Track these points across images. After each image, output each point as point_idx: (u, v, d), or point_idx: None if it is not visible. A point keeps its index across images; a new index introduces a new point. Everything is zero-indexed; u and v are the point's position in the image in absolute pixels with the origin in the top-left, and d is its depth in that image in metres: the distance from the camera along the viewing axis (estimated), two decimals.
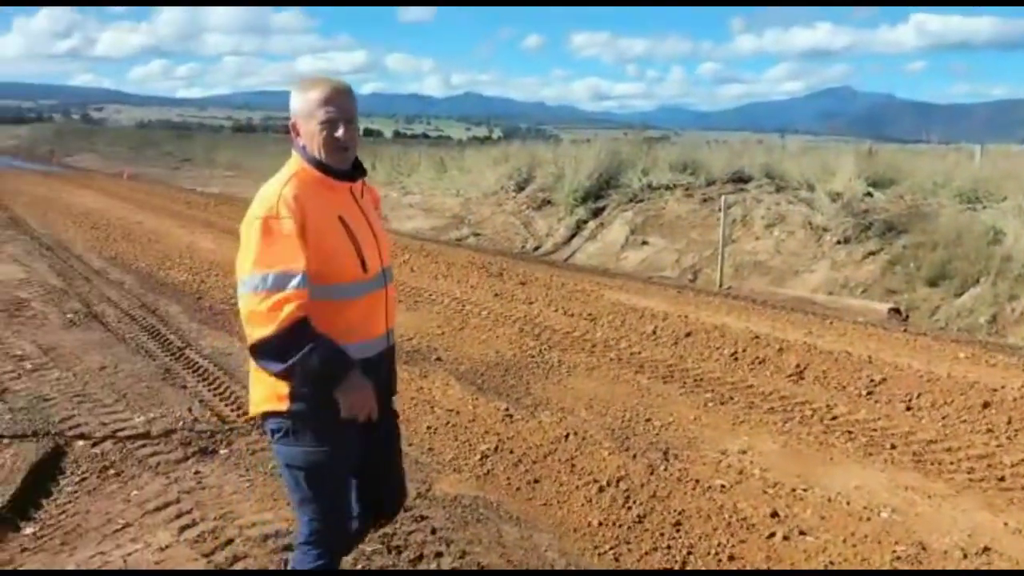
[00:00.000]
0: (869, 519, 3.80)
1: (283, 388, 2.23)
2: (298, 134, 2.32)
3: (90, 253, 11.35)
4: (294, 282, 2.10)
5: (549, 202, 14.74)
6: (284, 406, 2.26)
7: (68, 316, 7.38)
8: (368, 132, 77.51)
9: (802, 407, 5.27)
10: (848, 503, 3.94)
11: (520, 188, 15.86)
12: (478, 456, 4.50)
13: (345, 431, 2.30)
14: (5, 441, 4.51)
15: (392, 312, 2.46)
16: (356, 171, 2.39)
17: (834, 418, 5.10)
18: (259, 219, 2.18)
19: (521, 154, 18.19)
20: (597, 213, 14.19)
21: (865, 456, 4.54)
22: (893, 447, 4.66)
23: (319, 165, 2.29)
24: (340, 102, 2.26)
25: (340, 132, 2.25)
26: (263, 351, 2.15)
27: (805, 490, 4.08)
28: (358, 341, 2.29)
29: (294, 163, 2.33)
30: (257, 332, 2.12)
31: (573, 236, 13.56)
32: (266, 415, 2.33)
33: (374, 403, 2.29)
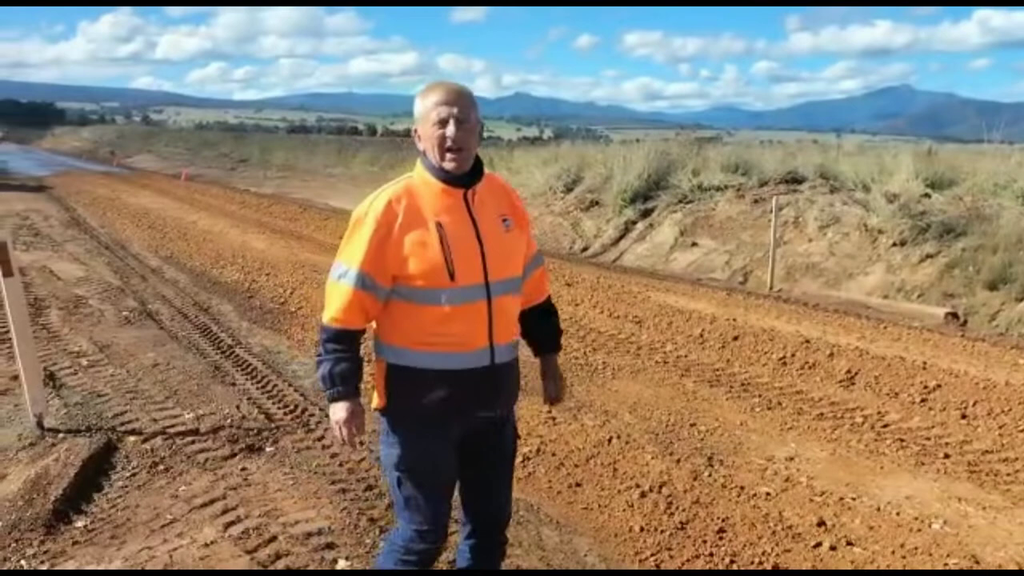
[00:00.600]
0: (920, 531, 3.69)
1: (383, 385, 2.34)
2: (419, 139, 2.30)
3: (146, 252, 11.64)
4: (348, 277, 2.25)
5: (597, 203, 14.66)
6: (382, 403, 2.36)
7: (124, 314, 7.57)
8: None
9: (852, 414, 5.14)
10: (898, 513, 3.83)
11: (568, 189, 15.82)
12: (520, 458, 4.47)
13: (435, 438, 2.32)
14: (60, 435, 4.64)
15: (502, 328, 2.32)
16: (472, 177, 2.31)
17: (885, 425, 4.96)
18: (353, 217, 2.30)
19: (570, 155, 18.14)
20: (646, 214, 14.08)
21: (917, 465, 4.41)
22: (947, 456, 4.51)
23: (432, 170, 2.28)
24: (455, 103, 2.22)
25: (451, 131, 2.20)
26: (320, 330, 2.35)
27: (854, 499, 3.97)
28: (442, 350, 2.26)
29: (415, 169, 2.35)
30: (324, 313, 2.33)
31: (621, 237, 13.46)
32: (376, 410, 2.40)
33: (349, 431, 2.32)
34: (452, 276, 2.21)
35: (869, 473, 4.30)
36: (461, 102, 2.23)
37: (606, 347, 6.61)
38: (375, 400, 2.37)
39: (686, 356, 6.39)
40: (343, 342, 2.32)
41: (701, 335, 6.96)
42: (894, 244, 10.22)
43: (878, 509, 3.87)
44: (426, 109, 2.25)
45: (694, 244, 12.62)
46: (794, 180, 13.64)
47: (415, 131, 2.32)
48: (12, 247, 4.61)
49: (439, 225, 2.24)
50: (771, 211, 10.48)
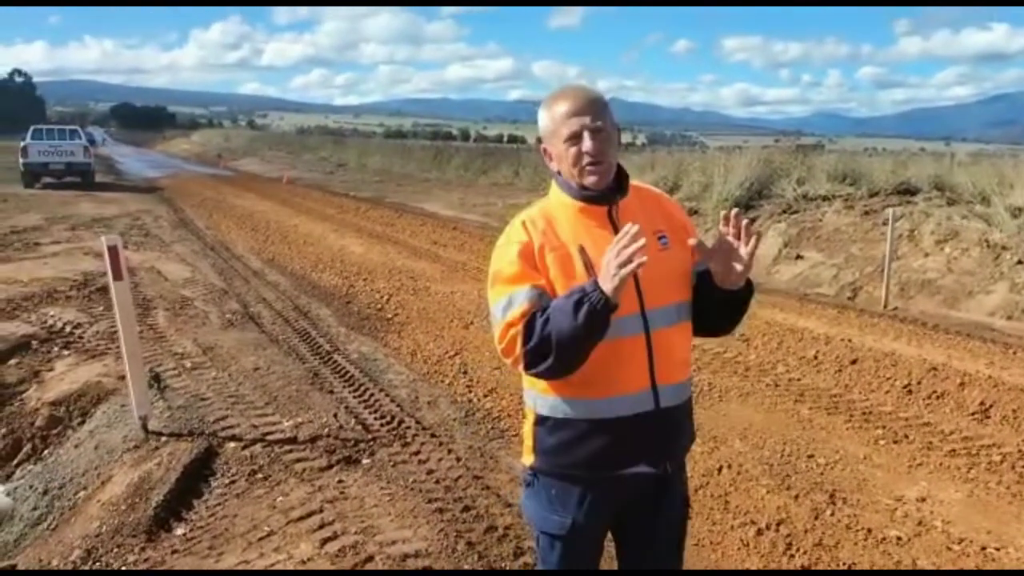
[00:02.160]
0: None
1: (529, 439, 2.07)
2: (551, 158, 2.03)
3: (249, 254, 11.90)
4: (516, 303, 1.90)
5: (696, 212, 14.27)
6: (529, 459, 2.09)
7: (227, 316, 7.69)
8: (512, 139, 78.35)
9: (989, 451, 4.69)
10: None
11: None
12: None
13: (586, 503, 2.02)
14: (163, 439, 4.68)
15: (667, 364, 1.94)
16: (616, 192, 2.00)
17: None
18: (493, 256, 2.02)
19: (667, 162, 17.78)
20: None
21: None
22: None
23: (568, 189, 2.00)
24: (586, 111, 1.93)
25: (588, 145, 1.92)
26: (527, 367, 1.90)
27: (997, 549, 3.59)
28: (595, 396, 1.93)
29: (549, 192, 2.07)
30: (509, 358, 1.93)
31: None
32: (526, 468, 2.13)
33: (622, 240, 1.75)
34: None
35: (1014, 520, 3.88)
36: (593, 109, 1.94)
37: (711, 366, 6.29)
38: (523, 455, 2.11)
39: (799, 379, 6.00)
40: (535, 318, 1.86)
41: (815, 357, 6.55)
42: (1019, 262, 9.54)
43: None
44: (555, 123, 1.97)
45: (799, 256, 12.11)
46: (907, 191, 12.98)
47: (543, 149, 2.05)
48: (123, 249, 4.66)
49: (581, 250, 1.93)
50: (884, 223, 9.91)
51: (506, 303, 1.92)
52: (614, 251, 1.75)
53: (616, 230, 1.91)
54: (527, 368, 1.90)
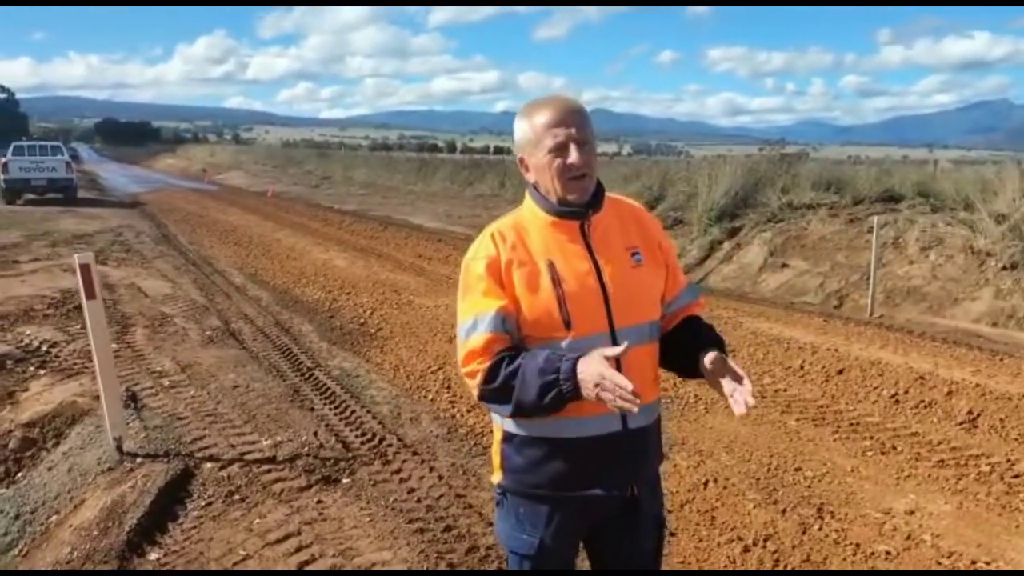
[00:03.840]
0: None
1: (497, 457, 2.04)
2: (527, 169, 1.96)
3: (232, 269, 11.78)
4: (481, 327, 1.86)
5: (681, 221, 14.27)
6: (497, 477, 2.05)
7: (207, 333, 7.58)
8: (499, 150, 78.54)
9: (978, 461, 4.64)
10: None
11: (651, 207, 15.44)
12: None
13: (553, 524, 1.97)
14: (138, 460, 4.56)
15: (636, 385, 1.73)
16: (589, 205, 1.93)
17: (1016, 476, 4.44)
18: (463, 268, 1.97)
19: (652, 171, 17.80)
20: (733, 233, 13.62)
21: None
22: None
23: (543, 202, 1.94)
24: (571, 122, 1.87)
25: (573, 157, 1.86)
26: (481, 399, 1.91)
27: (988, 563, 3.53)
28: (561, 416, 1.84)
29: (523, 203, 2.01)
30: (469, 383, 1.92)
31: (706, 257, 13.04)
32: (495, 485, 2.10)
33: (620, 379, 1.68)
34: (568, 325, 1.85)
35: (1004, 532, 3.82)
36: (578, 120, 1.88)
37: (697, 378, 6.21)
38: (493, 473, 2.07)
39: (786, 390, 5.95)
40: (502, 362, 1.84)
41: (802, 367, 6.50)
42: (1003, 268, 9.56)
43: None
44: (536, 134, 1.89)
45: (784, 265, 12.11)
46: (891, 199, 13.02)
47: (520, 159, 1.97)
48: (95, 267, 4.56)
49: (550, 265, 1.88)
50: (868, 231, 9.92)
51: (471, 325, 1.88)
52: (611, 382, 1.68)
53: (588, 245, 1.91)
54: (480, 399, 1.90)
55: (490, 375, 1.83)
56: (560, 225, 1.93)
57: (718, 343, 1.97)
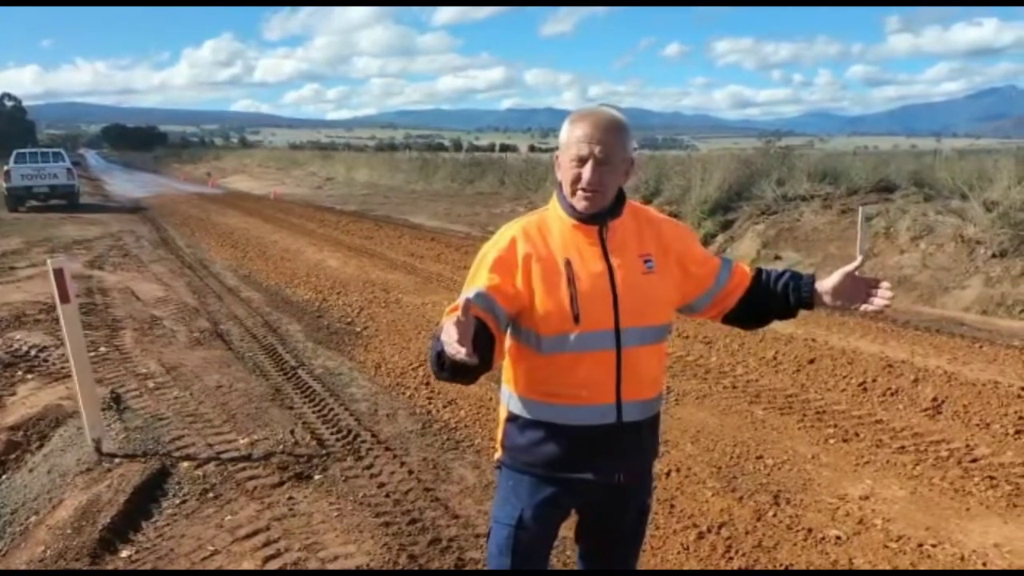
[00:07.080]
0: None
1: (500, 434, 2.21)
2: (558, 168, 2.09)
3: (226, 271, 11.90)
4: (467, 293, 1.92)
5: (676, 215, 14.31)
6: (499, 453, 2.22)
7: (195, 335, 7.69)
8: (504, 148, 78.80)
9: (937, 447, 4.70)
10: (984, 564, 3.45)
11: (646, 200, 15.51)
12: None
13: (544, 503, 2.12)
14: (117, 460, 4.67)
15: (633, 381, 2.02)
16: (608, 214, 2.06)
17: (974, 460, 4.51)
18: (483, 250, 2.12)
19: (648, 165, 17.82)
20: (727, 226, 13.69)
21: (1009, 508, 3.97)
22: None
23: (564, 205, 2.07)
24: (599, 140, 1.96)
25: (587, 175, 1.97)
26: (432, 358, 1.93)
27: (934, 546, 3.60)
28: (562, 402, 2.03)
29: (551, 201, 2.15)
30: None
31: None
32: (495, 461, 2.27)
33: (452, 332, 1.69)
34: (577, 319, 1.98)
35: (954, 516, 3.89)
36: (607, 139, 1.97)
37: (672, 370, 6.29)
38: (497, 450, 2.23)
39: (757, 380, 6.02)
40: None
41: (775, 357, 6.56)
42: (993, 255, 9.59)
43: (962, 558, 3.49)
44: (568, 141, 2.01)
45: (777, 257, 12.18)
46: (886, 188, 13.05)
47: (556, 157, 2.09)
48: (69, 272, 4.67)
49: (567, 263, 2.01)
50: (857, 222, 9.95)
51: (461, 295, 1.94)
52: (446, 335, 1.71)
53: (604, 249, 2.04)
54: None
55: (435, 334, 1.89)
56: (581, 228, 2.06)
57: (796, 276, 2.23)
